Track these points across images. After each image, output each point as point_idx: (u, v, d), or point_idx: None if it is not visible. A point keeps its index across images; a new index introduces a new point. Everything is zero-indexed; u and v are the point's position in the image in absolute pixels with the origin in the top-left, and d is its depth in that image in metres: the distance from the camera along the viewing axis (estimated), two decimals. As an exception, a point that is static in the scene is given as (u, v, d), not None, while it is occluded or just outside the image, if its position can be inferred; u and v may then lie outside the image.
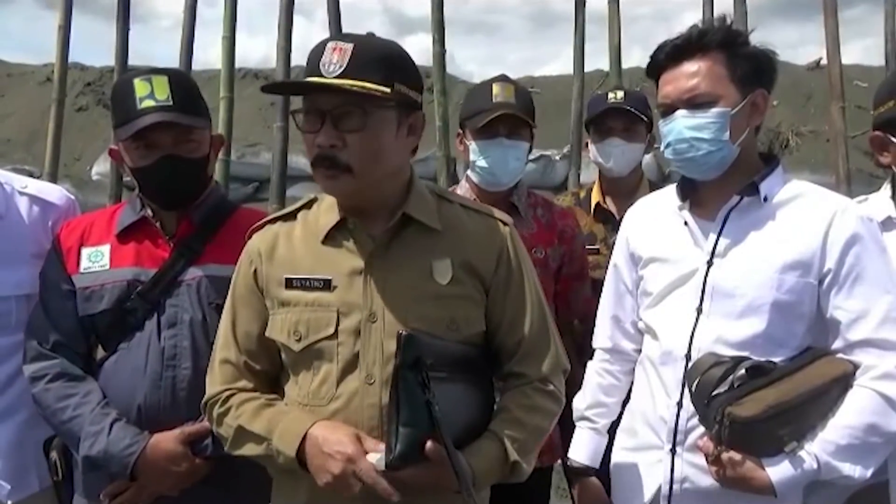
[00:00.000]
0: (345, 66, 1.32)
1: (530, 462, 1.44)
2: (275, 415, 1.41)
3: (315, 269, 1.42)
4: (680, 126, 1.62)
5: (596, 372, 1.90)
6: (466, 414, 1.38)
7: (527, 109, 2.20)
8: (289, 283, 1.43)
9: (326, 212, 1.47)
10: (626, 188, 2.49)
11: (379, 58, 1.36)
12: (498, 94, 2.17)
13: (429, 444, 1.27)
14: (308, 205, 1.53)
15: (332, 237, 1.44)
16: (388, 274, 1.41)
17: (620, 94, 2.50)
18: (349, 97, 1.33)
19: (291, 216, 1.52)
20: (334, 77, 1.32)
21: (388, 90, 1.34)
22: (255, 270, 1.47)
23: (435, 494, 1.34)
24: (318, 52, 1.36)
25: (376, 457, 1.28)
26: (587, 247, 2.46)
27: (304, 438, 1.34)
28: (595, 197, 2.57)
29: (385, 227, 1.42)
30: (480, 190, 2.21)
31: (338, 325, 1.39)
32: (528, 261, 1.53)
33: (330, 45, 1.35)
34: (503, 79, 2.23)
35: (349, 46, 1.34)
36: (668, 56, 1.64)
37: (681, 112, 1.62)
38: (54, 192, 1.96)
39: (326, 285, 1.41)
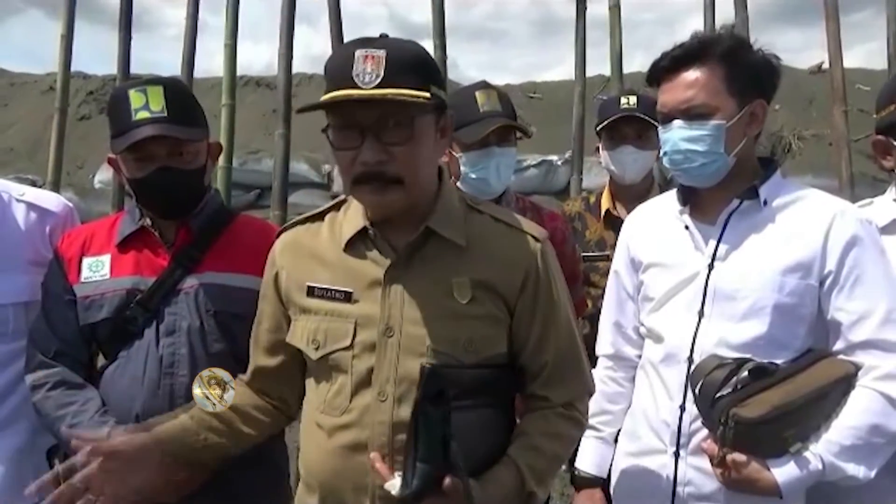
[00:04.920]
0: (381, 74, 1.24)
1: (546, 491, 1.41)
2: None
3: (336, 280, 1.39)
4: (676, 137, 1.62)
5: (600, 380, 1.88)
6: (486, 440, 1.36)
7: (511, 113, 2.17)
8: (310, 291, 1.40)
9: (351, 218, 1.42)
10: (637, 194, 2.44)
11: (412, 61, 1.29)
12: (484, 102, 2.12)
13: (447, 480, 1.23)
14: (337, 206, 1.48)
15: (353, 245, 1.40)
16: (407, 288, 1.35)
17: (633, 99, 2.45)
18: (390, 108, 1.25)
19: (319, 217, 1.49)
20: (372, 88, 1.23)
21: (427, 94, 1.27)
22: (276, 275, 1.46)
23: None
24: (345, 62, 1.26)
25: (397, 484, 1.27)
26: (598, 253, 2.44)
27: None
28: (605, 203, 2.54)
29: (408, 238, 1.37)
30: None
31: (354, 336, 1.36)
32: (559, 278, 1.45)
33: (359, 53, 1.25)
34: (485, 86, 2.18)
35: (381, 53, 1.25)
36: (668, 65, 1.64)
37: (677, 122, 1.62)
38: (52, 200, 1.95)
39: (347, 297, 1.37)
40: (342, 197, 1.49)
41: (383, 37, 1.32)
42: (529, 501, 1.38)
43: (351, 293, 1.37)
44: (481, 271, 1.37)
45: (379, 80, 1.24)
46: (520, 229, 1.43)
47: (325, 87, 1.30)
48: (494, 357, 1.38)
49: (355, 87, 1.24)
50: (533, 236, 1.43)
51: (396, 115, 1.27)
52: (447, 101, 1.38)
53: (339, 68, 1.27)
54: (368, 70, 1.24)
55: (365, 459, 1.32)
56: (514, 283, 1.38)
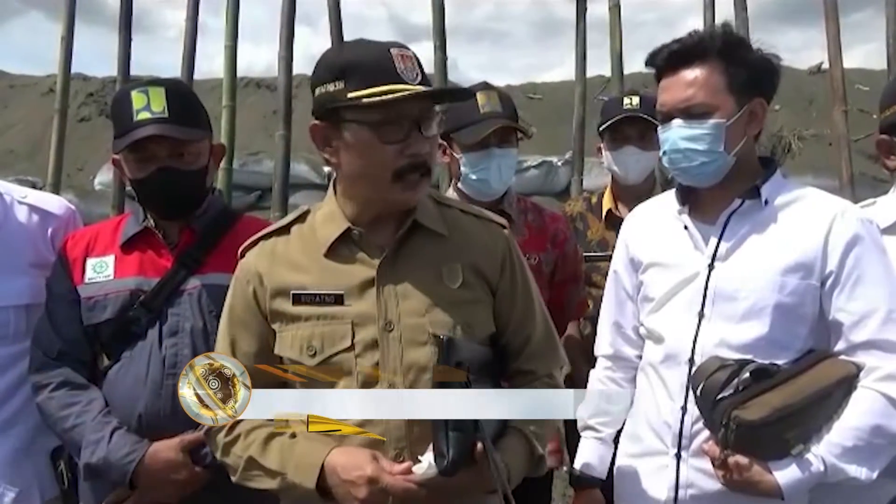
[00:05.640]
0: (419, 72, 1.34)
1: (544, 446, 1.46)
2: (285, 446, 1.38)
3: (323, 284, 1.40)
4: (675, 136, 1.62)
5: (599, 380, 1.89)
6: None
7: (513, 114, 2.18)
8: (297, 299, 1.40)
9: (325, 224, 1.44)
10: (639, 194, 2.40)
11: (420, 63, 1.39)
12: (484, 103, 2.12)
13: (479, 446, 1.28)
14: (301, 217, 1.50)
15: (335, 249, 1.42)
16: (399, 282, 1.40)
17: (636, 99, 2.44)
18: (428, 103, 1.36)
19: (285, 230, 1.48)
20: (417, 84, 1.33)
21: None
22: (254, 290, 1.43)
23: (468, 496, 1.34)
24: (382, 60, 1.32)
25: (425, 465, 1.28)
26: (600, 253, 2.44)
27: (322, 468, 1.32)
28: (607, 203, 2.53)
29: (392, 235, 1.42)
30: (471, 200, 2.14)
31: (353, 337, 1.37)
32: (525, 262, 1.55)
33: (395, 52, 1.33)
34: (485, 86, 2.19)
35: (411, 53, 1.36)
36: (666, 62, 1.64)
37: (677, 121, 1.62)
38: (54, 203, 1.96)
39: (338, 300, 1.39)
40: (304, 208, 1.51)
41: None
42: (539, 465, 1.43)
43: (342, 295, 1.39)
44: (467, 256, 1.44)
45: (420, 77, 1.34)
46: (487, 219, 1.53)
47: (359, 83, 1.31)
48: (486, 339, 1.45)
49: (404, 83, 1.31)
50: (499, 224, 1.53)
51: (432, 111, 1.37)
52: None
53: (377, 65, 1.32)
54: (409, 67, 1.33)
55: (382, 456, 1.33)
56: (494, 267, 1.47)
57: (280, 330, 1.42)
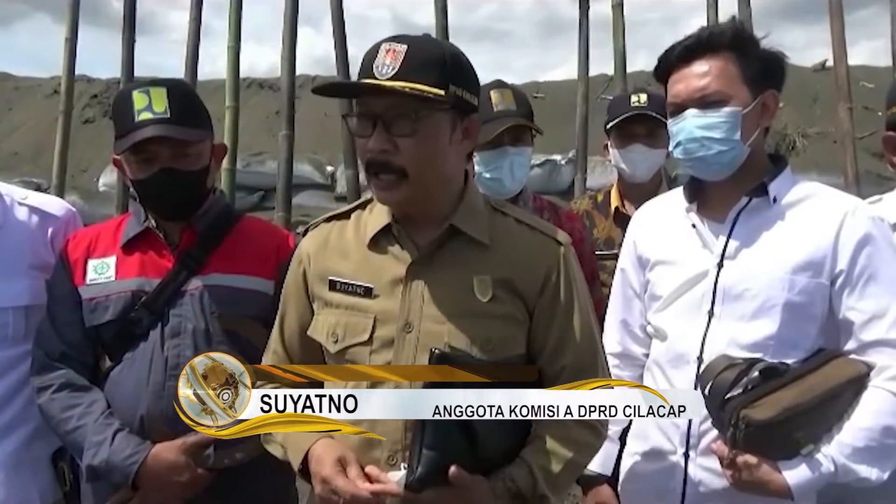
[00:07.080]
0: (397, 67, 1.29)
1: (561, 498, 1.39)
2: None
3: (358, 275, 1.40)
4: (691, 125, 1.61)
5: (606, 378, 1.88)
6: (499, 438, 1.33)
7: (527, 113, 2.17)
8: (332, 286, 1.42)
9: (376, 216, 1.44)
10: (645, 192, 2.40)
11: (433, 59, 1.32)
12: (498, 102, 2.12)
13: (452, 468, 1.24)
14: (363, 205, 1.50)
15: (377, 242, 1.42)
16: (428, 285, 1.37)
17: (644, 97, 2.43)
18: (401, 100, 1.29)
19: (346, 216, 1.50)
20: (386, 79, 1.29)
21: (441, 92, 1.30)
22: (304, 271, 1.48)
23: None
24: (371, 54, 1.33)
25: (398, 475, 1.26)
26: (606, 252, 2.44)
27: (307, 454, 1.35)
28: (614, 201, 2.53)
29: (432, 236, 1.39)
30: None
31: (373, 332, 1.37)
32: (581, 283, 1.45)
33: (384, 46, 1.31)
34: (499, 85, 2.18)
35: (402, 48, 1.30)
36: (679, 56, 1.63)
37: (691, 111, 1.61)
38: (54, 204, 1.95)
39: (367, 293, 1.39)
40: (368, 196, 1.50)
41: (425, 35, 1.39)
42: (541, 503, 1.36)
43: (371, 288, 1.39)
44: (503, 270, 1.38)
45: (393, 72, 1.29)
46: (543, 232, 1.45)
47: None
48: (512, 358, 1.38)
49: (373, 77, 1.30)
50: (556, 240, 1.44)
51: (403, 108, 1.31)
52: (474, 103, 1.39)
53: (367, 60, 1.34)
54: (387, 62, 1.30)
55: (379, 455, 1.33)
56: (534, 284, 1.39)
57: (317, 312, 1.45)
